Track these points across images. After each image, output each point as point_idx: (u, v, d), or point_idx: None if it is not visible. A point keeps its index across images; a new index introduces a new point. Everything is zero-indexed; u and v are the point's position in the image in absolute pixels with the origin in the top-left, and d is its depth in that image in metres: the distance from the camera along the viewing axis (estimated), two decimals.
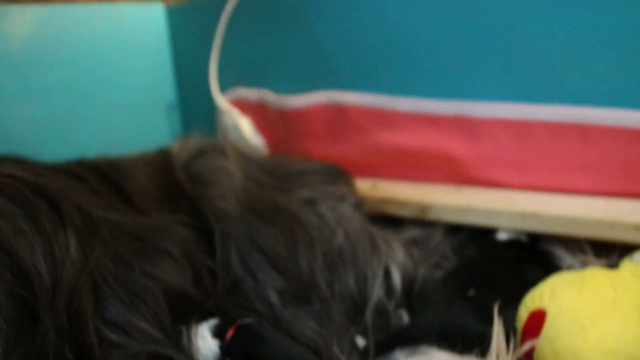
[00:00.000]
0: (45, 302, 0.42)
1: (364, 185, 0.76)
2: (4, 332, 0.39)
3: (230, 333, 0.50)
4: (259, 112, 0.90)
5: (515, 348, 0.46)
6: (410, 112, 0.74)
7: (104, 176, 0.64)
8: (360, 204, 0.69)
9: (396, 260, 0.59)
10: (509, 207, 0.63)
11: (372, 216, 0.70)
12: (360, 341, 0.53)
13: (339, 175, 0.72)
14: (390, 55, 0.75)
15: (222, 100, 0.94)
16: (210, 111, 0.96)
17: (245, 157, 0.70)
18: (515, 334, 0.50)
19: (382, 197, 0.73)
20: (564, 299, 0.51)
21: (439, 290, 0.53)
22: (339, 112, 0.80)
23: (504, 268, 0.58)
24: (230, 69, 0.94)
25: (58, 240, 0.47)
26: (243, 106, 0.92)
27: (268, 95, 0.88)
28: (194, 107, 1.03)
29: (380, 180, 0.78)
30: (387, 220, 0.71)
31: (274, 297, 0.55)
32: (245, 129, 0.91)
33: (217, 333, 0.50)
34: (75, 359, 0.41)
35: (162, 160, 0.69)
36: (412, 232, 0.65)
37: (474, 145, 0.70)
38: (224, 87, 0.96)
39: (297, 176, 0.70)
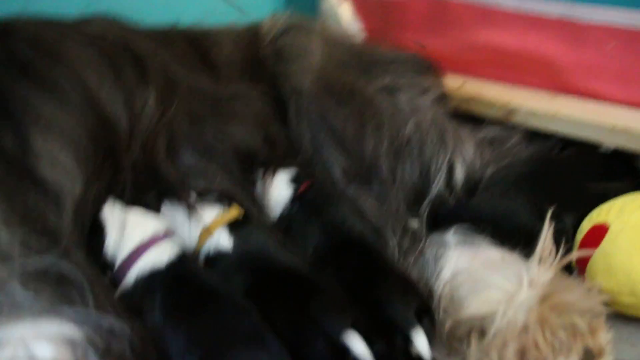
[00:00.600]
0: (123, 144, 0.47)
1: (454, 82, 0.74)
2: (86, 167, 0.45)
3: (303, 186, 0.54)
4: None
5: (563, 256, 0.45)
6: (514, 11, 0.69)
7: (194, 42, 0.67)
8: (443, 98, 0.67)
9: (464, 156, 0.58)
10: (600, 120, 0.59)
11: (458, 114, 0.69)
12: (414, 223, 0.54)
13: (427, 67, 0.71)
14: None
15: None
16: None
17: (333, 38, 0.70)
18: (570, 242, 0.49)
19: (470, 95, 0.71)
20: (631, 217, 0.49)
21: (499, 182, 0.53)
22: (439, 6, 0.76)
23: (578, 176, 0.55)
24: None
25: (139, 93, 0.51)
26: None
27: None
28: None
29: (472, 79, 0.75)
30: (473, 119, 0.69)
31: (338, 174, 0.57)
32: (344, 15, 0.90)
33: (293, 181, 0.54)
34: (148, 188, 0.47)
35: (251, 34, 0.71)
36: (490, 132, 0.63)
37: (576, 52, 0.65)
38: None
39: (383, 63, 0.69)
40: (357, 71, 0.66)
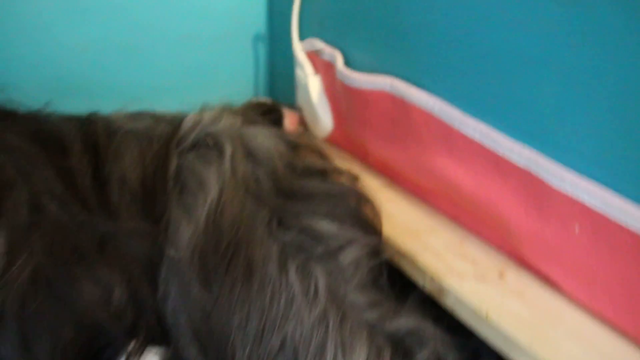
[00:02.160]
0: None
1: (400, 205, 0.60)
2: None
3: None
4: (329, 74, 0.75)
5: None
6: (476, 141, 0.54)
7: (92, 149, 0.59)
8: (372, 255, 0.54)
9: None
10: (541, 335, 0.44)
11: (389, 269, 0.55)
12: None
13: (359, 213, 0.58)
14: (471, 61, 0.53)
15: (298, 49, 0.80)
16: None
17: (251, 155, 0.58)
18: None
19: (405, 251, 0.56)
20: None
21: None
22: (401, 108, 0.62)
23: None
24: (314, 16, 0.78)
25: None
26: (317, 62, 0.78)
27: (339, 60, 0.71)
28: (283, 41, 0.90)
29: (422, 211, 0.61)
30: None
31: None
32: (313, 89, 0.77)
33: None
34: None
35: (164, 138, 0.61)
36: (406, 321, 0.50)
37: (537, 222, 0.49)
38: (305, 33, 0.81)
39: (306, 199, 0.57)
40: (264, 216, 0.54)
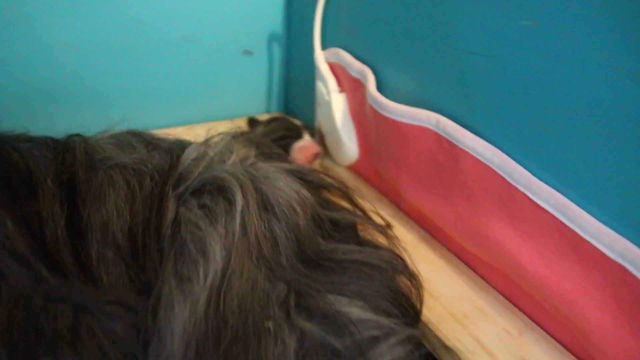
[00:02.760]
0: None
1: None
2: None
3: None
4: (357, 94, 0.63)
5: None
6: (549, 212, 0.43)
7: (67, 188, 0.48)
8: (413, 350, 0.43)
9: None
10: None
11: None
12: None
13: (398, 292, 0.47)
14: (547, 109, 0.42)
15: (320, 59, 0.68)
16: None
17: (268, 206, 0.47)
18: None
19: (448, 338, 0.46)
20: None
21: None
22: (448, 152, 0.51)
23: None
24: (342, 21, 0.66)
25: None
26: (342, 76, 0.66)
27: (370, 80, 0.60)
28: (301, 47, 0.78)
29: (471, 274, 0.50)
30: None
31: None
32: (337, 110, 0.66)
33: None
34: None
35: (159, 175, 0.50)
36: None
37: (628, 332, 0.39)
38: (329, 41, 0.69)
39: (333, 271, 0.46)
40: (280, 294, 0.43)
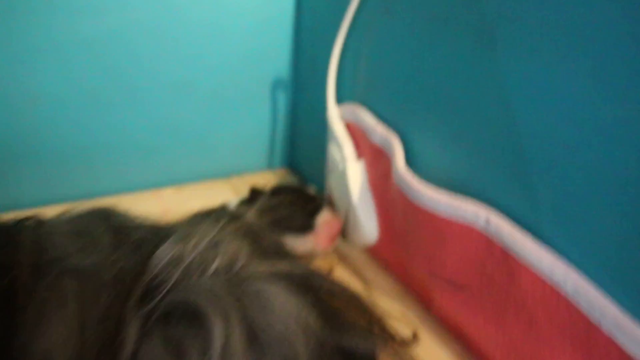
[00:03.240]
0: None
1: None
2: None
3: None
4: (380, 163, 0.52)
5: None
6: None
7: (3, 304, 0.37)
8: None
9: None
10: None
11: None
12: None
13: None
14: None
15: (334, 115, 0.57)
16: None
17: (256, 339, 0.36)
18: None
19: None
20: None
21: None
22: (501, 262, 0.39)
23: None
24: (362, 70, 0.55)
25: None
26: (361, 141, 0.54)
27: (397, 152, 0.48)
28: (311, 96, 0.67)
29: None
30: None
31: None
32: (353, 181, 0.54)
33: None
34: None
35: (121, 286, 0.39)
36: None
37: None
38: (345, 94, 0.58)
39: None
40: None
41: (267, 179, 0.71)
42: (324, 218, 0.52)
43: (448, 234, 0.42)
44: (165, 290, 0.38)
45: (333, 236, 0.53)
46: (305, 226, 0.52)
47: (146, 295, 0.38)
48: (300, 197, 0.54)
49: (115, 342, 0.36)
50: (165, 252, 0.41)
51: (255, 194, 0.56)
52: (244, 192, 0.67)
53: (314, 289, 0.42)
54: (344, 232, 0.58)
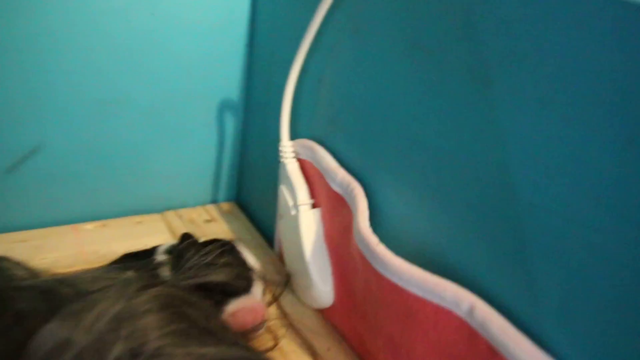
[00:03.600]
0: None
1: None
2: None
3: None
4: (339, 214, 0.43)
5: None
6: None
7: None
8: None
9: None
10: None
11: None
12: None
13: None
14: None
15: (287, 153, 0.48)
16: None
17: None
18: None
19: None
20: None
21: None
22: (486, 358, 0.31)
23: None
24: (323, 104, 0.46)
25: None
26: (318, 184, 0.46)
27: (361, 207, 0.40)
28: (262, 123, 0.58)
29: None
30: None
31: None
32: (307, 235, 0.45)
33: None
34: None
35: None
36: None
37: None
38: (302, 129, 0.49)
39: None
40: None
41: (209, 215, 0.61)
42: (245, 302, 0.42)
43: (420, 316, 0.34)
44: None
45: (254, 323, 0.43)
46: (244, 289, 0.42)
47: None
48: (236, 261, 0.44)
49: None
50: (50, 333, 0.31)
51: (186, 240, 0.46)
52: (180, 230, 0.58)
53: None
54: (293, 286, 0.49)
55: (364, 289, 0.40)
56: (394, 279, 0.35)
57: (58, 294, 0.36)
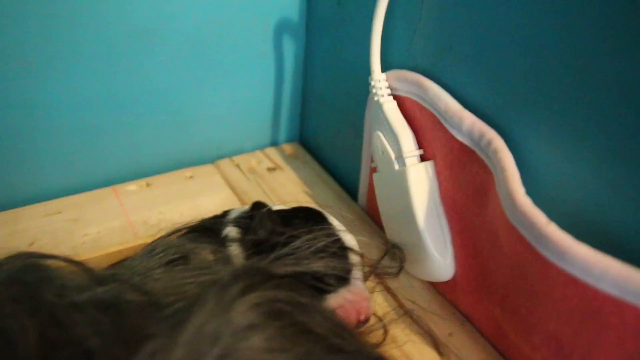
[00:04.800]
0: None
1: None
2: None
3: None
4: (465, 169, 0.34)
5: None
6: None
7: None
8: None
9: None
10: None
11: None
12: None
13: None
14: None
15: (381, 88, 0.38)
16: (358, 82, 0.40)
17: None
18: None
19: None
20: None
21: None
22: None
23: None
24: (429, 24, 0.35)
25: None
26: (431, 130, 0.36)
27: (505, 158, 0.30)
28: (324, 38, 0.46)
29: None
30: None
31: None
32: (417, 192, 0.36)
33: None
34: None
35: None
36: None
37: None
38: (397, 55, 0.38)
39: None
40: None
41: (271, 161, 0.52)
42: (349, 295, 0.33)
43: (613, 320, 0.25)
44: None
45: (358, 321, 0.34)
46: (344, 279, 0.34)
47: None
48: (332, 242, 0.35)
49: None
50: None
51: (258, 209, 0.37)
52: (241, 184, 0.49)
53: None
54: (397, 254, 0.40)
55: (511, 273, 0.31)
56: (574, 272, 0.26)
57: (129, 308, 0.28)
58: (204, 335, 0.24)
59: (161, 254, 0.35)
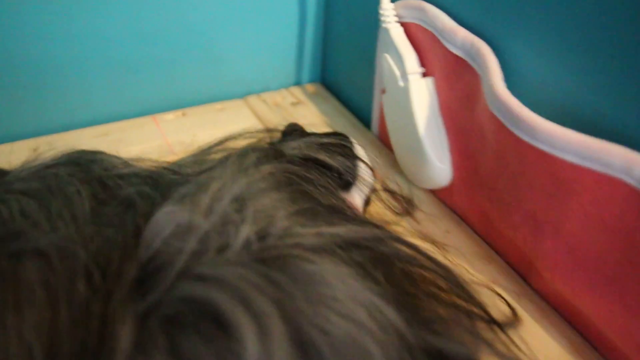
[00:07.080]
0: None
1: None
2: None
3: None
4: (459, 81, 0.39)
5: None
6: None
7: None
8: None
9: None
10: None
11: None
12: None
13: None
14: None
15: (389, 16, 0.43)
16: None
17: (309, 348, 0.25)
18: None
19: None
20: None
21: None
22: None
23: None
24: None
25: None
26: (431, 49, 0.41)
27: (491, 65, 0.35)
28: None
29: None
30: None
31: None
32: (419, 104, 0.41)
33: None
34: None
35: (105, 270, 0.27)
36: None
37: None
38: None
39: None
40: None
41: (295, 97, 0.58)
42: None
43: (575, 187, 0.30)
44: (170, 277, 0.26)
45: None
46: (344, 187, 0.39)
47: (142, 284, 0.26)
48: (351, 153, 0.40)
49: (98, 354, 0.25)
50: (167, 217, 0.29)
51: (293, 129, 0.43)
52: (267, 115, 0.55)
53: (387, 262, 0.30)
54: (402, 165, 0.46)
55: (495, 163, 0.36)
56: (543, 146, 0.31)
57: (165, 178, 0.34)
58: (228, 194, 0.30)
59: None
